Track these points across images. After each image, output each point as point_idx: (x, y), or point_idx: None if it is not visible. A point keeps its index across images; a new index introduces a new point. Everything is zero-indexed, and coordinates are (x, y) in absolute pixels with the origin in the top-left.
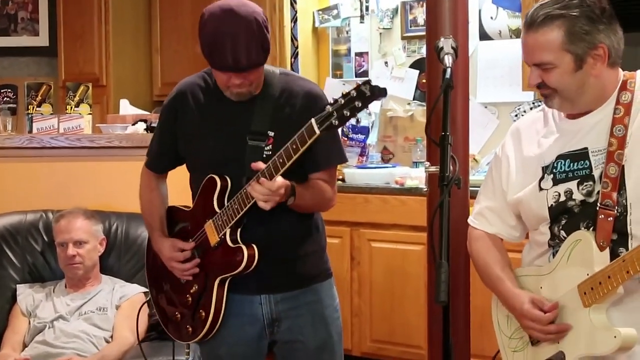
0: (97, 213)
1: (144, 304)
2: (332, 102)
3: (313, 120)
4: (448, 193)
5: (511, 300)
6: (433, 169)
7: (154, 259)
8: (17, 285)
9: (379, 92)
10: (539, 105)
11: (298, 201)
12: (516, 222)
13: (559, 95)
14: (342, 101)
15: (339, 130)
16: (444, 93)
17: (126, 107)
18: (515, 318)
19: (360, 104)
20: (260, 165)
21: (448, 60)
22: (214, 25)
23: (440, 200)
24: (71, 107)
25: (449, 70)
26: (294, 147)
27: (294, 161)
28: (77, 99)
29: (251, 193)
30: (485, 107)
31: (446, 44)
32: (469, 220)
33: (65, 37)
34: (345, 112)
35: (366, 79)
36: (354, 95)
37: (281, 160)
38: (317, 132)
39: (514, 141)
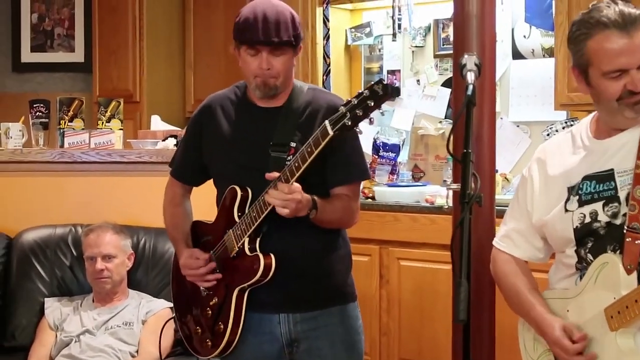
0: (126, 228)
1: (169, 320)
2: (345, 103)
3: (327, 121)
4: (469, 211)
5: (542, 326)
6: (455, 186)
7: (178, 274)
8: (45, 298)
9: (392, 91)
10: (571, 125)
11: (320, 215)
12: (542, 244)
13: None
14: (355, 101)
15: (371, 148)
16: (465, 109)
17: (157, 123)
18: (546, 343)
19: (373, 103)
20: (275, 174)
21: (470, 77)
22: (251, 9)
23: (461, 218)
24: (102, 123)
25: (470, 86)
26: (309, 149)
27: (310, 164)
28: (108, 114)
29: (268, 200)
30: (518, 126)
31: (469, 60)
32: (494, 242)
33: (100, 53)
34: (358, 111)
35: (379, 78)
36: (367, 94)
37: (297, 164)
38: (331, 132)
39: (539, 162)
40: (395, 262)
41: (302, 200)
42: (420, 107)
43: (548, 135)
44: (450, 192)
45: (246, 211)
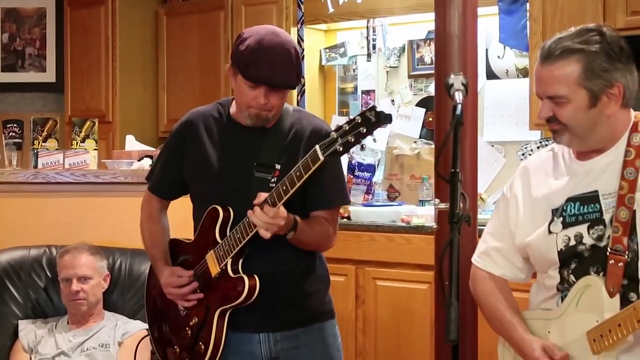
0: (101, 249)
1: (142, 338)
2: (336, 128)
3: (317, 146)
4: (458, 230)
5: (522, 347)
6: (443, 206)
7: (153, 292)
8: (19, 321)
9: (384, 118)
10: (546, 145)
11: (298, 236)
12: (522, 264)
13: (569, 131)
14: (347, 127)
15: (346, 168)
16: (454, 130)
17: (132, 143)
18: None
19: (365, 130)
20: (263, 195)
21: (458, 96)
22: (257, 40)
23: (450, 238)
24: (77, 143)
25: (459, 106)
26: (298, 174)
27: (298, 189)
28: (82, 134)
29: (252, 219)
30: (492, 145)
31: (456, 80)
32: (472, 260)
33: (72, 73)
34: (349, 138)
35: (371, 104)
36: (359, 121)
37: (284, 188)
38: (322, 158)
39: (522, 181)
40: (372, 282)
41: (286, 223)
42: (394, 127)
43: (523, 155)
44: (436, 212)
45: (228, 232)
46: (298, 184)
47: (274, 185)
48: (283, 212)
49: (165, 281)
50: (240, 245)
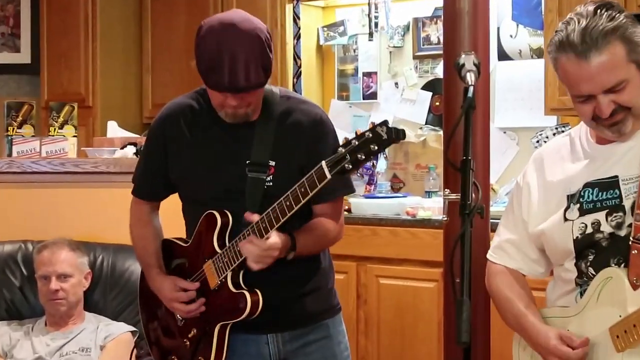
0: (82, 244)
1: (134, 348)
2: (344, 142)
3: (323, 163)
4: (470, 223)
5: (536, 337)
6: (453, 196)
7: (148, 298)
8: None
9: (397, 135)
10: (562, 131)
11: (300, 251)
12: (538, 256)
13: (632, 113)
14: (357, 143)
15: None
16: (465, 114)
17: (114, 130)
18: (542, 356)
19: (376, 148)
20: (254, 217)
21: (470, 78)
22: (213, 41)
23: (462, 231)
24: (55, 129)
25: (471, 88)
26: (296, 195)
27: (296, 212)
28: (61, 120)
29: (242, 250)
30: (504, 132)
31: (468, 60)
32: (487, 255)
33: (48, 54)
34: (359, 155)
35: (383, 120)
36: (370, 137)
37: (275, 215)
38: (329, 176)
39: (536, 168)
40: (374, 280)
41: (280, 252)
42: (398, 112)
43: (538, 142)
44: (445, 203)
45: (227, 239)
46: (297, 207)
47: (270, 184)
48: (276, 243)
49: (170, 295)
50: (239, 261)
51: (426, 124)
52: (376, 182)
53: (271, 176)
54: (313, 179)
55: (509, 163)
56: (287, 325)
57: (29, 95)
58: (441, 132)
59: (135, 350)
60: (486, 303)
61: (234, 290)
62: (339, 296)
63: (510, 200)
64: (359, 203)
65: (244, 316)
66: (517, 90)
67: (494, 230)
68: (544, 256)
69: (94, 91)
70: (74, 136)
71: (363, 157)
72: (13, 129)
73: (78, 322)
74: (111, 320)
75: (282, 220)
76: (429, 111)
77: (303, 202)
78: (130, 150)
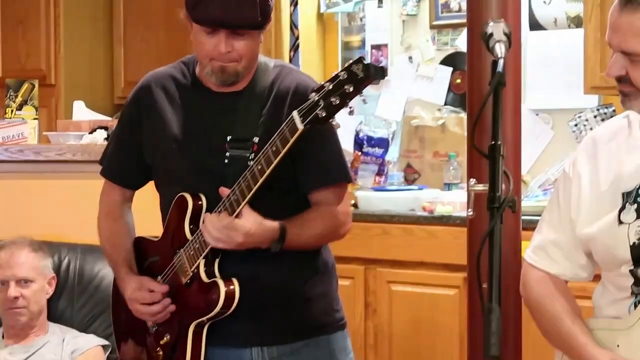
0: (45, 244)
1: None
2: (317, 88)
3: (294, 112)
4: (500, 218)
5: None
6: (480, 187)
7: (119, 304)
8: None
9: (376, 72)
10: (604, 113)
11: (290, 245)
12: (586, 262)
13: None
14: (330, 86)
15: (352, 142)
16: (494, 91)
17: (81, 111)
18: None
19: (352, 89)
20: (227, 191)
21: (500, 49)
22: None
23: (490, 227)
24: (12, 111)
25: (501, 61)
26: (267, 156)
27: (271, 172)
28: (19, 100)
29: (205, 223)
30: (537, 114)
31: (496, 29)
32: (525, 255)
33: (3, 23)
34: (333, 99)
35: (359, 56)
36: (344, 77)
37: (247, 184)
38: (300, 127)
39: (589, 156)
40: (385, 287)
41: (252, 236)
42: (413, 92)
43: (576, 125)
44: (471, 195)
45: (200, 225)
46: (271, 167)
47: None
48: (242, 226)
49: (131, 295)
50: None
51: (445, 104)
52: (387, 172)
53: (254, 153)
54: (284, 134)
55: (542, 151)
56: (274, 337)
57: None
58: (463, 114)
59: None
60: (517, 311)
61: (206, 280)
62: (344, 305)
63: (556, 191)
64: (367, 197)
65: (217, 308)
66: (552, 65)
67: (525, 229)
68: (591, 261)
69: (56, 66)
70: (35, 119)
71: (337, 101)
72: None
73: (41, 334)
74: (79, 332)
75: (254, 189)
76: (449, 90)
77: (275, 162)
78: (101, 135)
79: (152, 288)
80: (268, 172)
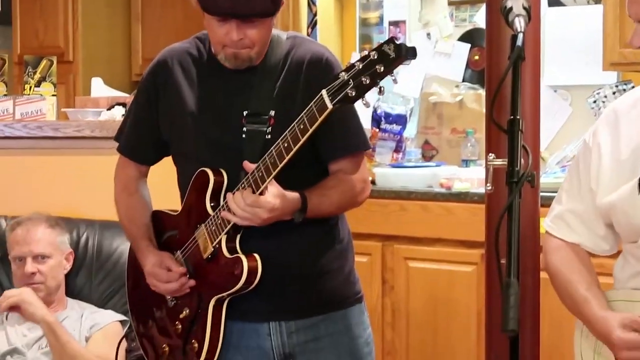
0: (63, 220)
1: (122, 337)
2: (347, 67)
3: (324, 91)
4: (519, 193)
5: (598, 327)
6: (499, 162)
7: (136, 278)
8: None
9: (407, 53)
10: (624, 90)
11: (312, 214)
12: (606, 232)
13: None
14: (360, 65)
15: (370, 119)
16: (513, 66)
17: (99, 88)
18: (611, 351)
19: (382, 69)
20: (252, 166)
21: (519, 23)
22: None
23: (509, 202)
24: (30, 87)
25: (520, 36)
26: (294, 134)
27: (295, 154)
28: (38, 76)
29: (228, 203)
30: (555, 91)
31: (516, 3)
32: (544, 225)
33: (21, 0)
34: (364, 79)
35: (390, 37)
36: (375, 57)
37: (272, 161)
38: (330, 106)
39: (609, 127)
40: (402, 263)
41: (276, 210)
42: (431, 68)
43: (595, 102)
44: (489, 170)
45: (221, 200)
46: (299, 144)
47: (269, 137)
48: (267, 202)
49: (151, 270)
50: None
51: (463, 81)
52: (405, 149)
53: (271, 127)
54: (313, 112)
55: (561, 127)
56: (292, 312)
57: (0, 49)
58: (481, 91)
59: (125, 343)
60: (535, 286)
61: (228, 255)
62: (360, 282)
63: (576, 162)
64: (384, 174)
65: (240, 284)
66: (571, 42)
67: (543, 206)
68: (612, 232)
69: (74, 43)
70: (53, 95)
71: (368, 81)
72: None
73: (59, 310)
74: (97, 308)
75: (280, 166)
76: (467, 66)
77: (303, 140)
78: (118, 112)
79: (171, 267)
80: (295, 149)
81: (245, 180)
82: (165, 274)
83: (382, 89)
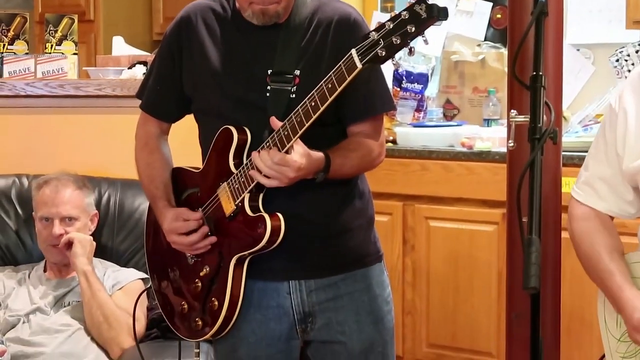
0: (87, 180)
1: (142, 292)
2: (377, 27)
3: (353, 50)
4: (541, 150)
5: (619, 305)
6: (521, 118)
7: (155, 236)
8: None
9: (439, 13)
10: None
11: (333, 175)
12: (634, 197)
13: None
14: (391, 25)
15: (391, 78)
16: (536, 21)
17: (121, 47)
18: (626, 326)
19: (413, 29)
20: (279, 123)
21: None
22: None
23: (531, 158)
24: (52, 46)
25: None
26: (322, 93)
27: (321, 113)
28: (59, 34)
29: (254, 161)
30: (577, 49)
31: None
32: (572, 191)
33: None
34: (394, 39)
35: None
36: (406, 17)
37: (299, 119)
38: (359, 65)
39: (634, 91)
40: (423, 223)
41: (302, 170)
42: (453, 26)
43: (617, 61)
44: (511, 127)
45: (244, 158)
46: (326, 104)
47: (294, 96)
48: (294, 162)
49: (169, 227)
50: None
51: (485, 40)
52: (426, 108)
53: (295, 87)
54: (341, 71)
55: (583, 86)
56: (312, 271)
57: (21, 7)
58: (503, 50)
59: (146, 300)
60: (556, 244)
61: (251, 214)
62: (381, 241)
63: (603, 126)
64: (405, 133)
65: (263, 243)
66: None
67: (565, 165)
68: (638, 196)
69: (95, 2)
70: (74, 54)
71: (399, 41)
72: (4, 45)
73: None
74: (119, 267)
75: (307, 125)
76: (489, 25)
77: (330, 100)
78: (140, 70)
79: (186, 217)
80: (322, 109)
81: (270, 139)
82: (184, 225)
83: (412, 49)
